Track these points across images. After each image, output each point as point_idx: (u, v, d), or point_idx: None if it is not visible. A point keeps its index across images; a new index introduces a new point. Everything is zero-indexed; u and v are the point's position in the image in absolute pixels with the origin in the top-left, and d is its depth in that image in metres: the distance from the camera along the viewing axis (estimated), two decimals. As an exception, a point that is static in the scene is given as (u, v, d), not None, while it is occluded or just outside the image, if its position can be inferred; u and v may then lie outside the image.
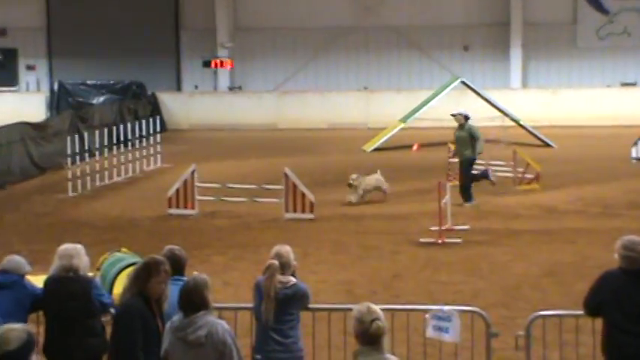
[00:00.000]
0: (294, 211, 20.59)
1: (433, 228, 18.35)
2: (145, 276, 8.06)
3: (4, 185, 25.34)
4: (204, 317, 7.54)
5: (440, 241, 17.82)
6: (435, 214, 18.44)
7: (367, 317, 6.77)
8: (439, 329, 9.40)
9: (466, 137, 21.66)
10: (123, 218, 21.16)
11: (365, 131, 36.94)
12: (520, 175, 24.28)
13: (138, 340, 7.83)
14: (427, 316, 9.52)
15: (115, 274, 12.35)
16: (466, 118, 21.84)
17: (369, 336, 6.74)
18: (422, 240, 18.01)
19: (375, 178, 22.80)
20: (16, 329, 6.18)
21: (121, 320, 7.99)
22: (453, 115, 22.13)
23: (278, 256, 8.89)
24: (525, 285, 14.86)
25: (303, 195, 20.51)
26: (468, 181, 21.88)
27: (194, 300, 7.56)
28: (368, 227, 19.77)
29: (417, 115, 33.55)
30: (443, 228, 18.14)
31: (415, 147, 32.83)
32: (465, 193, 21.70)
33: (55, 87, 41.58)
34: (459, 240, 17.98)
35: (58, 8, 44.32)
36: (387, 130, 33.78)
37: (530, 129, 33.56)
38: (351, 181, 22.43)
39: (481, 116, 28.61)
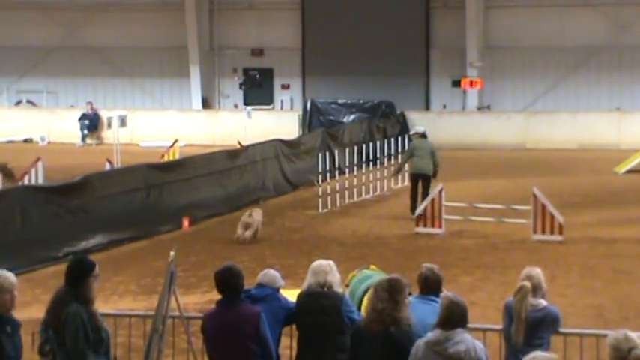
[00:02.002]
0: (543, 232, 20.24)
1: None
2: (396, 296, 8.08)
3: (258, 200, 26.13)
4: (462, 334, 7.53)
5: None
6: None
7: (624, 345, 6.49)
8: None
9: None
10: (371, 235, 21.40)
11: (616, 152, 35.87)
12: None
13: None
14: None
15: (363, 291, 12.45)
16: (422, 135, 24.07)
17: (626, 365, 6.47)
18: (677, 266, 17.31)
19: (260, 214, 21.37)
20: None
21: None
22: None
23: (529, 277, 8.74)
24: None
25: (552, 216, 20.13)
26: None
27: (456, 318, 7.55)
28: (619, 251, 19.19)
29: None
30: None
31: (670, 170, 31.60)
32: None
33: (308, 105, 42.60)
34: None
35: (312, 29, 45.39)
36: (641, 151, 32.71)
37: None
38: (248, 220, 20.85)
39: None
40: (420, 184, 23.10)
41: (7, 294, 8.09)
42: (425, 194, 22.62)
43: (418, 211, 21.41)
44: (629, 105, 41.68)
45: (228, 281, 8.80)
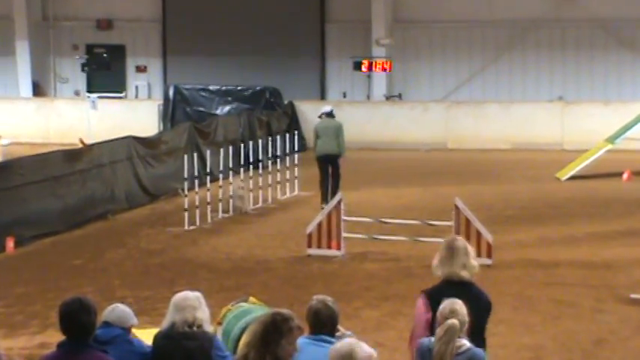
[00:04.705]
0: (467, 254, 20.44)
1: (648, 280, 18.04)
2: (276, 338, 8.03)
3: (106, 215, 25.93)
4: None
5: (657, 299, 17.50)
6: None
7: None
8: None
9: None
10: (250, 259, 21.38)
11: (559, 153, 36.57)
12: None
13: None
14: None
15: (240, 330, 12.43)
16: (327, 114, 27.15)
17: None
18: (633, 296, 17.65)
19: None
20: None
21: None
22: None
23: (453, 313, 8.72)
24: None
25: (479, 234, 20.36)
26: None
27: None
28: (561, 277, 19.50)
29: (628, 133, 32.97)
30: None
31: (626, 175, 32.27)
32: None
33: (170, 93, 42.38)
34: (681, 297, 17.62)
35: (175, -4, 45.35)
36: (590, 152, 33.31)
37: None
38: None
39: None
40: (329, 169, 26.00)
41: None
42: (335, 179, 25.94)
43: (310, 228, 21.44)
44: (574, 94, 42.50)
45: (75, 318, 8.65)
